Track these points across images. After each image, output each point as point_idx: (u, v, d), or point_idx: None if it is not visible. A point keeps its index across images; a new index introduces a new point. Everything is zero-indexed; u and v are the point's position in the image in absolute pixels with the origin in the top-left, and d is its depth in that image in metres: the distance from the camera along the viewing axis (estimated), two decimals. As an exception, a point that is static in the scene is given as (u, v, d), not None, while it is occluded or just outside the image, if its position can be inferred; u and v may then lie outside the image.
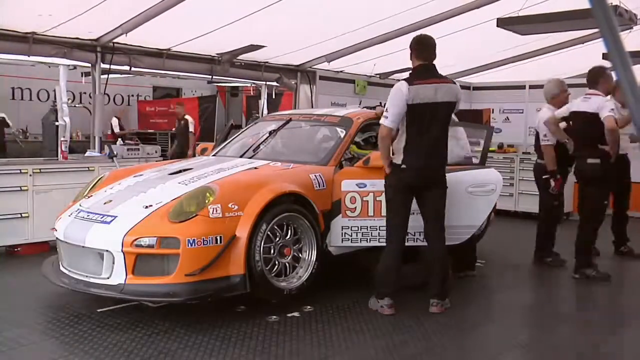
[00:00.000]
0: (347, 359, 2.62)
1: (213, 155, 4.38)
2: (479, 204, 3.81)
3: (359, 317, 3.14)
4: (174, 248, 2.84)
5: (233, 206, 3.01)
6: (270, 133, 4.29)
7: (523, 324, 3.25)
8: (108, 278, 2.94)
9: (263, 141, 4.23)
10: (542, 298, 4.00)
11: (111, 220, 3.04)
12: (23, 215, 4.51)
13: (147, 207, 3.08)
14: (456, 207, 3.52)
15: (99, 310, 3.06)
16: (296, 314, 3.10)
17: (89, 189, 3.69)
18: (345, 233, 3.56)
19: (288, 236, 3.26)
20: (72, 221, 3.22)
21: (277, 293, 3.14)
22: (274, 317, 3.03)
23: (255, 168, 3.64)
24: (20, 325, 2.89)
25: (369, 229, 3.57)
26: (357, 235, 3.59)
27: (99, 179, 3.81)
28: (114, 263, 2.92)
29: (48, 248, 4.46)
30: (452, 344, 2.91)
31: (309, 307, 3.21)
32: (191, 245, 2.83)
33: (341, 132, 4.06)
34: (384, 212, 3.38)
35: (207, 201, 2.99)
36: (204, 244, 2.86)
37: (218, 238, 2.91)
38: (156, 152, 5.98)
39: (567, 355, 2.85)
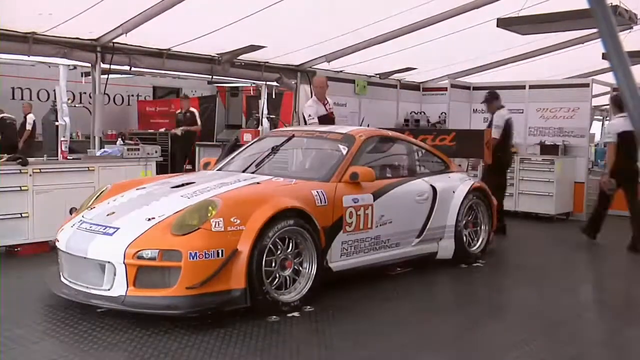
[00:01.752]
0: (347, 359, 2.62)
1: (217, 170, 4.37)
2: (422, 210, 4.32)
3: (358, 317, 3.15)
4: (176, 261, 2.83)
5: (235, 220, 3.00)
6: (273, 149, 4.30)
7: (523, 324, 3.25)
8: (109, 289, 2.93)
9: (266, 157, 4.24)
10: (542, 297, 4.00)
11: (114, 232, 3.04)
12: (23, 215, 4.52)
13: (149, 219, 3.07)
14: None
15: (99, 310, 3.06)
16: (296, 314, 3.10)
17: (92, 200, 3.69)
18: (344, 248, 3.64)
19: (289, 249, 3.23)
20: (74, 232, 3.21)
21: (277, 306, 3.10)
22: (274, 317, 3.03)
23: (258, 183, 3.66)
24: (20, 325, 2.89)
25: (362, 241, 3.75)
26: (354, 249, 3.73)
27: (102, 191, 3.81)
28: (115, 274, 2.91)
29: (48, 248, 4.46)
30: (453, 344, 2.91)
31: (309, 307, 3.21)
32: (193, 258, 2.82)
33: (344, 149, 4.05)
34: (369, 224, 3.80)
35: (209, 215, 2.98)
36: (205, 257, 2.85)
37: (220, 252, 2.89)
38: (156, 152, 5.97)
39: (566, 355, 2.85)
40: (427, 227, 4.31)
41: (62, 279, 3.27)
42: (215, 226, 2.95)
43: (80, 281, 3.11)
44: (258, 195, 3.36)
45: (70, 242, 3.19)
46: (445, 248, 4.46)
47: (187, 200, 3.28)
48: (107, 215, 3.27)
